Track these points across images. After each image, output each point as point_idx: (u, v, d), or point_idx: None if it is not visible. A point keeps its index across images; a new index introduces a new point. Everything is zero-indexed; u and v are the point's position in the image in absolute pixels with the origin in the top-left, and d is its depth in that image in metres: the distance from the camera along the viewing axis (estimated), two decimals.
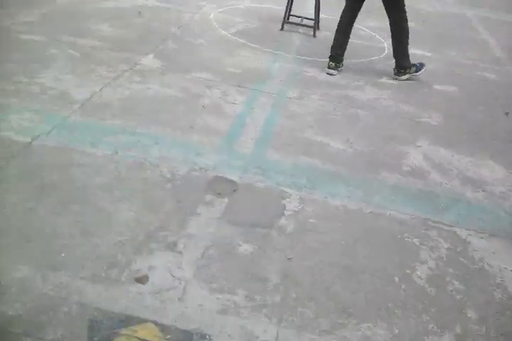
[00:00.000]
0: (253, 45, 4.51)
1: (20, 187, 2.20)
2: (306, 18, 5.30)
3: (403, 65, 4.21)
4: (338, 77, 4.12)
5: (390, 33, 4.17)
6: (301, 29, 5.22)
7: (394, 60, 4.26)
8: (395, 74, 4.25)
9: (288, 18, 5.24)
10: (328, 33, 5.18)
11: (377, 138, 3.24)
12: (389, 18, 4.09)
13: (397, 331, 1.85)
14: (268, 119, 3.24)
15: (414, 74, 4.25)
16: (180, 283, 1.85)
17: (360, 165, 2.90)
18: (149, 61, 3.78)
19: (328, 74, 4.16)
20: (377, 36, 5.37)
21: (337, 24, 4.18)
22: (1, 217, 2.02)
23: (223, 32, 4.73)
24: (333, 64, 4.16)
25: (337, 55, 4.16)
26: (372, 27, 5.57)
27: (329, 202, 2.50)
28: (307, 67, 4.24)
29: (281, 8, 5.24)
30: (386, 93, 3.98)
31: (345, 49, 4.18)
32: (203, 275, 1.91)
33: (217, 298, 1.82)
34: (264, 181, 2.56)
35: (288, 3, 5.12)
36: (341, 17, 4.15)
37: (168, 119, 2.99)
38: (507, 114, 3.88)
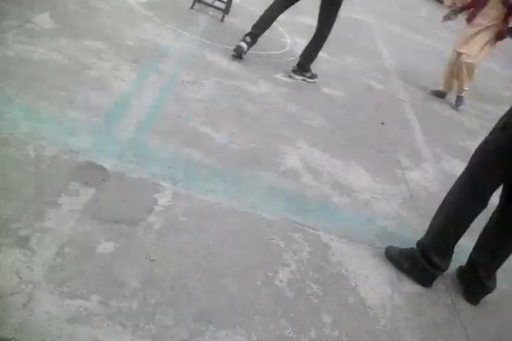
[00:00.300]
0: (158, 20, 4.18)
1: None
2: (218, 0, 5.01)
3: (305, 66, 4.15)
4: (234, 67, 3.95)
5: (313, 35, 4.10)
6: (210, 11, 4.94)
7: (298, 58, 4.17)
8: (292, 72, 4.17)
9: None
10: (236, 19, 4.98)
11: (261, 135, 3.15)
12: (319, 21, 4.02)
13: (255, 338, 1.77)
14: (155, 102, 3.00)
15: (309, 79, 4.20)
16: (27, 287, 1.60)
17: (240, 162, 2.79)
18: (43, 20, 3.32)
19: (237, 46, 3.97)
20: (283, 31, 5.24)
21: (270, 5, 4.03)
22: None
23: (133, 2, 4.32)
24: (249, 39, 3.97)
25: (256, 34, 4.00)
26: (280, 21, 5.42)
27: (203, 199, 2.37)
28: (207, 51, 4.01)
29: None
30: (278, 90, 3.89)
31: (263, 31, 4.06)
32: (55, 278, 1.67)
33: (68, 304, 1.61)
34: (139, 171, 2.35)
35: None
36: (271, 6, 4.03)
37: (45, 90, 2.64)
38: (382, 123, 3.99)
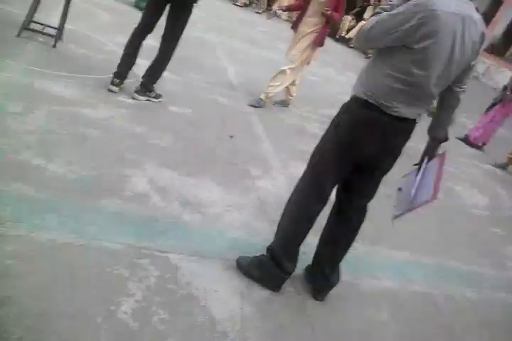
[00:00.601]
0: None
1: None
2: (49, 27, 4.77)
3: (149, 86, 4.11)
4: (71, 93, 3.78)
5: (156, 55, 4.11)
6: (41, 38, 4.67)
7: (141, 79, 4.11)
8: (135, 92, 4.10)
9: (28, 24, 4.64)
10: (71, 45, 4.78)
11: (104, 161, 3.03)
12: (163, 40, 4.05)
13: None
14: None
15: (153, 99, 4.18)
16: None
17: (80, 192, 2.65)
18: None
19: (109, 90, 4.01)
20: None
21: (127, 41, 4.03)
22: None
23: None
24: (118, 81, 4.01)
25: (123, 73, 4.03)
26: (120, 43, 5.33)
27: (35, 238, 2.19)
28: (38, 79, 3.79)
29: (23, 12, 4.60)
30: (121, 112, 3.80)
31: (131, 67, 4.09)
32: None
33: None
34: None
35: (32, 8, 4.53)
36: (133, 34, 4.02)
37: None
38: (231, 137, 4.08)
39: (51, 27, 4.75)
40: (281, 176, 3.72)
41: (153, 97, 4.19)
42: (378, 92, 2.13)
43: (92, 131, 3.32)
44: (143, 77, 4.16)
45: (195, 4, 3.98)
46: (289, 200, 2.47)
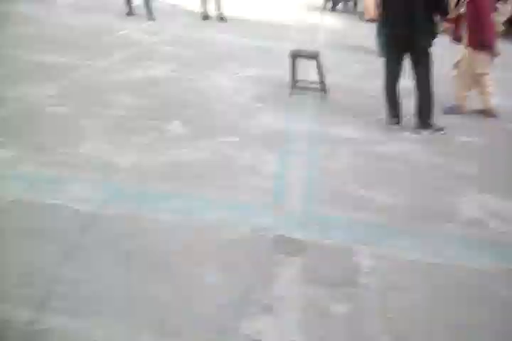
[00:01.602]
0: (270, 108, 4.58)
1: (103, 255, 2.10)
2: (311, 82, 5.41)
3: (427, 121, 4.34)
4: (361, 134, 4.16)
5: (417, 94, 4.38)
6: (309, 93, 5.29)
7: (414, 117, 4.35)
8: (416, 128, 4.33)
9: (295, 84, 5.35)
10: (335, 95, 5.30)
11: (423, 190, 3.23)
12: (416, 82, 4.32)
13: None
14: (306, 177, 3.25)
15: (436, 132, 4.33)
16: None
17: (417, 218, 2.85)
18: (176, 128, 3.79)
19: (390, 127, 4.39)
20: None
21: (383, 87, 4.44)
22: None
23: (238, 97, 4.81)
24: (395, 120, 4.43)
25: (394, 113, 4.43)
26: (378, 88, 5.73)
27: (401, 256, 2.42)
28: (327, 126, 4.28)
29: (286, 75, 5.34)
30: (412, 146, 4.00)
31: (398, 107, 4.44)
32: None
33: None
34: (328, 238, 2.49)
35: (292, 70, 5.25)
36: (386, 81, 4.40)
37: (211, 181, 2.96)
38: None
39: (313, 82, 5.36)
40: None
41: (436, 130, 4.33)
42: None
43: (396, 165, 3.57)
44: (415, 115, 4.38)
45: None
46: None
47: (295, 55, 5.33)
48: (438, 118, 4.51)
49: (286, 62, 5.26)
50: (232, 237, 2.38)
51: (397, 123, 4.40)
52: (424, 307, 2.06)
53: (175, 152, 3.33)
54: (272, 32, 9.07)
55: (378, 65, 4.57)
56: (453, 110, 5.03)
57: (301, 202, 2.85)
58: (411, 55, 4.26)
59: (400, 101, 4.44)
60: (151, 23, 8.21)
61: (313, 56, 5.38)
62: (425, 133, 4.31)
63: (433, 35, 4.18)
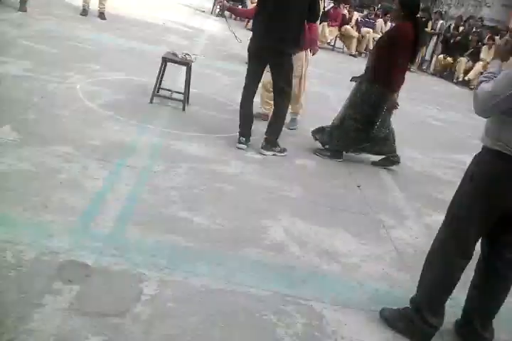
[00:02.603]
0: (120, 118, 4.52)
1: None
2: (176, 92, 5.44)
3: (273, 140, 4.49)
4: (205, 151, 4.24)
5: (273, 110, 4.63)
6: (170, 102, 5.33)
7: (265, 135, 4.51)
8: (261, 148, 4.49)
9: (158, 91, 5.35)
10: (197, 107, 5.38)
11: (241, 213, 3.35)
12: (274, 96, 4.57)
13: None
14: (130, 195, 3.21)
15: (278, 153, 4.51)
16: None
17: (223, 241, 2.95)
18: (4, 133, 3.60)
19: (238, 148, 4.45)
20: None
21: (240, 101, 4.51)
22: None
23: (89, 103, 4.69)
24: (243, 139, 4.48)
25: (247, 133, 4.50)
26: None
27: (190, 283, 2.49)
28: (174, 140, 4.32)
29: (152, 81, 5.33)
30: (251, 167, 4.16)
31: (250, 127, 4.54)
32: None
33: None
34: (122, 263, 2.50)
35: (158, 77, 5.25)
36: (243, 95, 4.48)
37: (18, 198, 2.84)
38: (359, 187, 4.24)
39: (178, 92, 5.41)
40: (418, 226, 3.77)
41: (278, 152, 4.54)
42: None
43: (227, 186, 3.69)
44: (266, 133, 4.54)
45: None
46: (431, 253, 2.50)
47: (166, 60, 5.32)
48: (285, 138, 4.75)
49: (157, 67, 5.23)
50: (10, 261, 2.26)
51: (245, 142, 4.52)
52: (193, 336, 2.14)
53: None
54: (151, 34, 9.00)
55: None
56: None
57: (112, 223, 2.83)
58: (270, 63, 4.37)
59: (252, 119, 4.56)
60: (20, 13, 7.75)
61: (185, 63, 5.41)
62: (268, 153, 4.50)
63: (298, 43, 4.33)
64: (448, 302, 2.50)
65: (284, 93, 4.44)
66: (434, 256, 2.48)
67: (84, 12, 8.97)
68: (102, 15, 9.11)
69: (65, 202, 2.91)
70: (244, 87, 4.48)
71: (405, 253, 3.32)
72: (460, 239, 2.37)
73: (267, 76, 4.69)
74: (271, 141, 4.51)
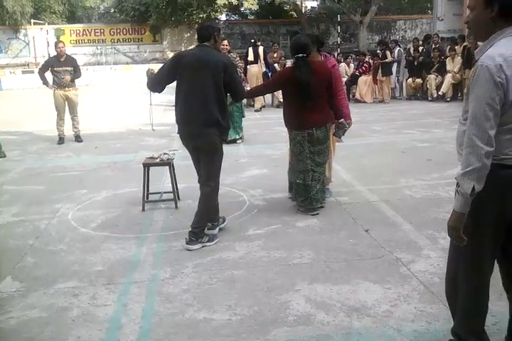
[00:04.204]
0: (116, 235, 4.60)
1: None
2: (165, 192, 5.56)
3: (197, 232, 4.22)
4: (206, 247, 4.26)
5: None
6: (162, 204, 5.44)
7: (190, 227, 4.25)
8: (186, 244, 4.20)
9: (147, 198, 5.47)
10: (189, 201, 5.47)
11: (258, 295, 3.32)
12: (201, 186, 4.34)
13: None
14: (144, 312, 3.21)
15: (208, 243, 4.23)
16: None
17: (249, 331, 2.91)
18: (7, 286, 3.66)
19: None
20: (236, 190, 5.75)
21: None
22: None
23: (83, 230, 4.79)
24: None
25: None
26: (228, 184, 6.00)
27: None
28: (174, 241, 4.36)
29: (140, 189, 5.44)
30: (256, 245, 4.17)
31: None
32: None
33: None
34: None
35: (144, 183, 5.38)
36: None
37: None
38: (367, 231, 4.23)
39: (167, 192, 5.52)
40: (435, 252, 3.72)
41: (208, 241, 4.23)
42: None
43: (237, 271, 3.68)
44: (191, 225, 4.24)
45: None
46: (453, 279, 2.45)
47: (148, 165, 5.48)
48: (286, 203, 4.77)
49: (141, 175, 5.37)
50: None
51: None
52: None
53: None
54: (129, 142, 9.32)
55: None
56: None
57: None
58: (199, 151, 4.24)
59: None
60: (1, 159, 8.11)
61: (166, 163, 5.57)
62: (195, 247, 4.16)
63: (221, 126, 4.17)
64: (492, 320, 2.42)
65: (207, 186, 4.26)
66: (458, 279, 2.40)
67: (61, 140, 9.35)
68: (78, 138, 9.49)
69: (83, 340, 2.90)
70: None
71: (433, 285, 3.26)
72: (477, 257, 2.31)
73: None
74: (195, 233, 4.22)
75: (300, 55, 4.61)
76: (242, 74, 10.06)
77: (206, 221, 4.34)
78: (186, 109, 4.18)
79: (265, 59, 13.22)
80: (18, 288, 3.61)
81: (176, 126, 4.34)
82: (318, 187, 4.74)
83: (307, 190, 4.76)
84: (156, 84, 4.25)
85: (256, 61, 12.68)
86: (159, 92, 4.40)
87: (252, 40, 13.81)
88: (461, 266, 2.38)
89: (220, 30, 4.33)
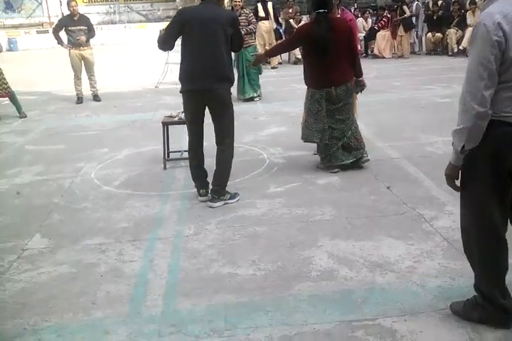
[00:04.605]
0: (139, 193, 4.62)
1: None
2: (185, 151, 5.52)
3: (219, 190, 4.22)
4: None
5: (216, 158, 4.30)
6: (183, 162, 5.40)
7: (211, 184, 4.27)
8: (209, 201, 4.23)
9: (168, 156, 5.45)
10: (209, 159, 5.43)
11: (281, 251, 3.33)
12: (217, 145, 4.26)
13: None
14: (170, 267, 3.25)
15: (230, 200, 4.24)
16: None
17: (273, 286, 2.93)
18: (36, 242, 3.72)
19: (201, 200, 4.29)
20: (256, 149, 5.71)
21: (188, 155, 4.44)
22: None
23: (107, 188, 4.82)
24: (203, 191, 4.30)
25: (203, 185, 4.31)
26: (248, 142, 5.95)
27: (254, 339, 2.48)
28: (196, 198, 4.36)
29: (160, 148, 5.42)
30: (277, 202, 4.16)
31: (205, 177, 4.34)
32: None
33: None
34: (183, 339, 2.50)
35: (164, 142, 5.35)
36: (189, 148, 4.39)
37: (65, 303, 2.90)
38: (388, 188, 4.18)
39: (187, 151, 5.47)
40: (458, 208, 3.61)
41: (229, 198, 4.26)
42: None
43: (259, 228, 3.69)
44: (212, 183, 4.27)
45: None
46: (465, 229, 2.43)
47: (167, 124, 5.44)
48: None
49: (161, 134, 5.34)
50: None
51: (205, 194, 4.28)
52: None
53: (29, 275, 3.24)
54: (147, 101, 9.25)
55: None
56: None
57: (161, 301, 2.83)
58: (210, 108, 4.14)
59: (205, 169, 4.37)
60: (22, 120, 8.13)
61: (184, 122, 5.50)
62: (218, 205, 4.18)
63: (231, 81, 4.15)
64: None
65: (228, 138, 4.22)
66: (470, 234, 2.39)
67: (79, 100, 9.33)
68: (96, 97, 9.46)
69: (111, 295, 2.96)
70: (189, 140, 4.35)
71: (456, 241, 3.22)
72: (487, 218, 2.29)
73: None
74: (217, 191, 4.23)
75: (321, 10, 4.44)
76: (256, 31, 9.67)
77: (227, 178, 4.31)
78: (196, 63, 4.02)
79: (275, 15, 12.77)
80: (47, 245, 3.67)
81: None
82: (340, 144, 4.66)
83: (327, 148, 4.69)
84: (165, 42, 4.14)
85: (267, 17, 12.23)
86: (170, 50, 4.30)
87: None
88: (467, 213, 2.38)
89: None
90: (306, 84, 4.76)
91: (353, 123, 4.69)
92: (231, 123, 4.24)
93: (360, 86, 4.74)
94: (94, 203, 4.46)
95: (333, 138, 4.65)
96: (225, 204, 4.22)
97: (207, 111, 4.19)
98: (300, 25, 4.89)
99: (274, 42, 11.50)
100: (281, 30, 12.78)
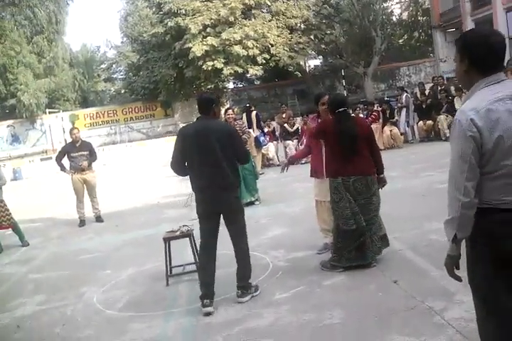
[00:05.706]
0: (142, 314, 4.57)
1: None
2: (187, 264, 5.54)
3: (246, 285, 4.43)
4: (234, 312, 4.22)
5: (236, 256, 4.52)
6: (185, 277, 5.40)
7: (237, 283, 4.42)
8: (238, 297, 4.38)
9: (171, 272, 5.45)
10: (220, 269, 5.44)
11: None
12: (234, 246, 4.53)
13: None
14: None
15: (255, 293, 4.45)
16: None
17: None
18: None
19: (205, 313, 4.24)
20: (257, 253, 5.71)
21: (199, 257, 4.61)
22: None
23: (109, 312, 4.77)
24: (209, 302, 4.28)
25: (210, 293, 4.34)
26: (251, 247, 5.96)
27: None
28: (201, 314, 4.29)
29: (163, 264, 5.43)
30: (283, 309, 4.10)
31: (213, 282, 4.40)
32: None
33: None
34: None
35: (166, 258, 5.38)
36: (201, 249, 4.54)
37: None
38: (395, 282, 4.16)
39: (190, 264, 5.51)
40: (468, 296, 3.57)
41: (254, 291, 4.47)
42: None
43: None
44: (237, 281, 4.44)
45: None
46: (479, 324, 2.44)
47: (168, 239, 5.50)
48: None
49: (163, 248, 5.37)
50: None
51: (210, 304, 4.29)
52: None
53: None
54: (149, 217, 9.42)
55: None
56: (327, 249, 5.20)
57: None
58: (223, 214, 4.44)
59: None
60: (25, 248, 8.21)
61: (186, 235, 5.57)
62: (246, 299, 4.37)
63: (236, 187, 4.53)
64: None
65: (242, 237, 4.51)
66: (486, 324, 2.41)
67: (82, 223, 9.49)
68: (98, 218, 9.63)
69: None
70: (201, 244, 4.52)
71: (470, 332, 3.13)
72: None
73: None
74: (244, 287, 4.42)
75: (341, 109, 4.81)
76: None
77: (249, 271, 4.49)
78: (200, 175, 4.37)
79: (258, 123, 13.19)
80: None
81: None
82: (358, 243, 4.62)
83: (342, 248, 4.66)
84: (178, 169, 4.51)
85: (249, 126, 12.61)
86: (187, 175, 4.58)
87: (247, 105, 14.17)
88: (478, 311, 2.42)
89: (215, 101, 4.67)
90: (326, 176, 4.94)
91: (377, 222, 4.78)
92: (244, 225, 4.54)
93: (382, 182, 4.93)
94: (97, 330, 4.40)
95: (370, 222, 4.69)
96: (252, 297, 4.40)
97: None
98: (318, 126, 5.17)
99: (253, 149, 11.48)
100: (261, 139, 13.11)
